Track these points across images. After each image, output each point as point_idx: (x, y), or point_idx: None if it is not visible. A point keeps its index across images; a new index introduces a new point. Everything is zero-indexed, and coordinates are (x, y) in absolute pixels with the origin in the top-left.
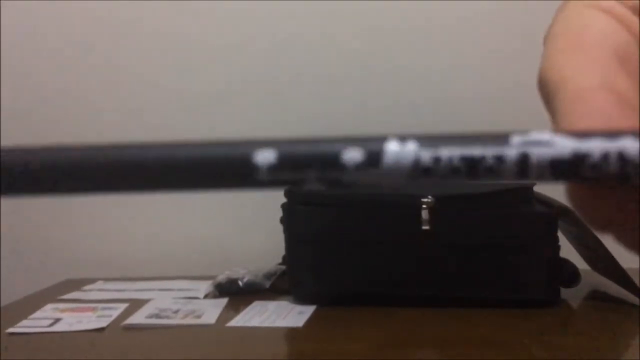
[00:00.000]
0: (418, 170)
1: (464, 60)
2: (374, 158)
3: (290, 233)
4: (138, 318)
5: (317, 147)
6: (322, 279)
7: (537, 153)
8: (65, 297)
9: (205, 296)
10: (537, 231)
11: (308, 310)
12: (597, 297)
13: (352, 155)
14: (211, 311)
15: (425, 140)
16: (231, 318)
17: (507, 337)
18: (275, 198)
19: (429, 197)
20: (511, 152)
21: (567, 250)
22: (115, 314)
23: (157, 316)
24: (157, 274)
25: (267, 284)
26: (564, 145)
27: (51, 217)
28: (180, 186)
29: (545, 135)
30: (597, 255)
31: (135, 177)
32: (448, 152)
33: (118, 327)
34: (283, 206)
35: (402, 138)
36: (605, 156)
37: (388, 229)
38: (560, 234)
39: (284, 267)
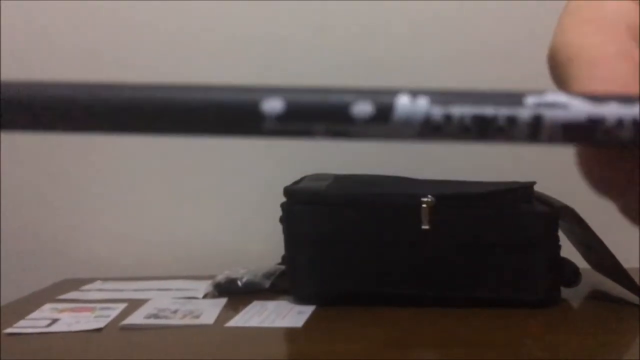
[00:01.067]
0: (428, 128)
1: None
2: (384, 112)
3: (290, 232)
4: (136, 318)
5: (326, 98)
6: (321, 278)
7: (551, 115)
8: (63, 297)
9: (204, 296)
10: (538, 231)
11: (308, 310)
12: (598, 296)
13: (362, 108)
14: (210, 311)
15: (437, 96)
16: (230, 318)
17: (508, 337)
18: (275, 197)
19: (429, 196)
20: (524, 113)
21: (568, 250)
22: (113, 314)
23: (156, 316)
24: (156, 274)
25: (267, 284)
26: (580, 109)
27: (48, 216)
28: (183, 130)
29: (562, 97)
30: (598, 255)
31: (136, 116)
32: (460, 111)
33: (116, 328)
34: (282, 205)
35: (414, 93)
36: (620, 122)
37: (388, 228)
38: (560, 234)
39: (283, 266)
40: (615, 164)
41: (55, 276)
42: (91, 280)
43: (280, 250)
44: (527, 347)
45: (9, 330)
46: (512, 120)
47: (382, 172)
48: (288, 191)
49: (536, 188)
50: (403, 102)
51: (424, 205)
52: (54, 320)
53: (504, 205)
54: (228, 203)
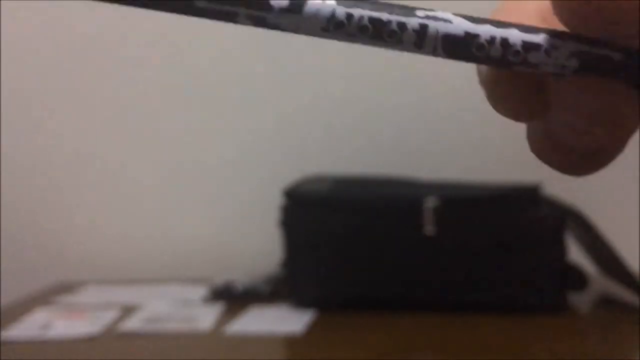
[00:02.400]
0: (332, 23)
1: None
2: (297, 5)
3: (290, 236)
4: (132, 323)
5: None
6: (322, 283)
7: (435, 26)
8: (57, 301)
9: (202, 301)
10: (545, 234)
11: (308, 315)
12: (605, 301)
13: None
14: (207, 316)
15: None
16: (228, 324)
17: (514, 343)
18: (275, 200)
19: (433, 199)
20: (414, 21)
21: (576, 254)
22: (108, 319)
23: (152, 321)
24: (151, 276)
25: (266, 289)
26: (460, 25)
27: (41, 217)
28: None
29: (447, 15)
30: (607, 259)
31: None
32: (360, 12)
33: (111, 333)
34: (282, 208)
35: None
36: (492, 39)
37: (391, 232)
38: (569, 238)
39: (283, 271)
40: (512, 84)
41: (48, 278)
42: (84, 282)
43: (278, 253)
44: (534, 352)
45: (3, 337)
46: (402, 26)
47: (381, 172)
48: (288, 193)
49: (544, 190)
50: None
51: (427, 209)
52: (47, 326)
53: (510, 208)
54: (224, 205)
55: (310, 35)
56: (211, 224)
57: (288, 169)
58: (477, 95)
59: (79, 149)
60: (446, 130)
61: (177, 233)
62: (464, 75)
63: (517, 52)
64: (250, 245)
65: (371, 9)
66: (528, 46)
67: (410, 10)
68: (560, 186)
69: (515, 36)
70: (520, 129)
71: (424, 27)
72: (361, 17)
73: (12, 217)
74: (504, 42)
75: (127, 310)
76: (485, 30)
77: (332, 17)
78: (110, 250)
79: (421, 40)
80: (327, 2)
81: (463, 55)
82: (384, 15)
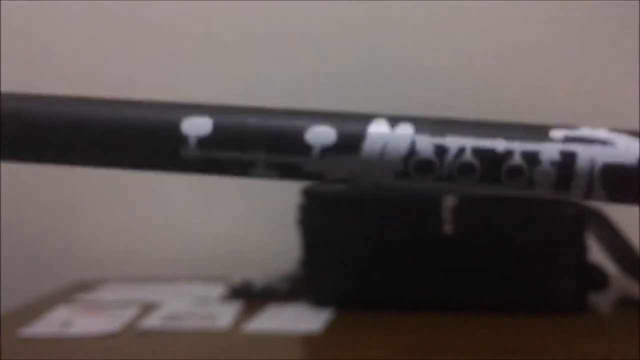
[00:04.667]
0: (411, 163)
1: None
2: (351, 142)
3: (309, 234)
4: (151, 321)
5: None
6: (340, 282)
7: (588, 153)
8: (77, 298)
9: (220, 299)
10: (565, 233)
11: (326, 314)
12: (626, 301)
13: (321, 133)
14: (226, 314)
15: (426, 123)
16: (246, 322)
17: (534, 344)
18: (293, 198)
19: (452, 198)
20: (549, 149)
21: (596, 254)
22: (127, 316)
23: (171, 319)
24: (171, 275)
25: (284, 287)
26: (627, 149)
27: (59, 215)
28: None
29: (604, 133)
30: (627, 259)
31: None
32: (459, 142)
33: (131, 331)
34: (301, 206)
35: (395, 119)
36: None
37: (409, 231)
38: (589, 237)
39: (301, 269)
40: None
41: (69, 276)
42: (104, 280)
43: (297, 252)
44: (554, 354)
45: (25, 333)
46: (531, 158)
47: None
48: (307, 192)
49: None
50: (377, 130)
51: (446, 207)
52: (68, 323)
53: (530, 207)
54: (243, 204)
55: (379, 183)
56: (230, 223)
57: None
58: (496, 91)
59: None
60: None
61: (196, 231)
62: (486, 73)
63: None
64: (269, 243)
65: (476, 135)
66: None
67: (539, 131)
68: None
69: None
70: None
71: (568, 158)
72: (461, 150)
73: (34, 216)
74: None
75: (147, 308)
76: None
77: (411, 153)
78: (130, 248)
79: (566, 179)
80: (401, 129)
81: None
82: (499, 144)
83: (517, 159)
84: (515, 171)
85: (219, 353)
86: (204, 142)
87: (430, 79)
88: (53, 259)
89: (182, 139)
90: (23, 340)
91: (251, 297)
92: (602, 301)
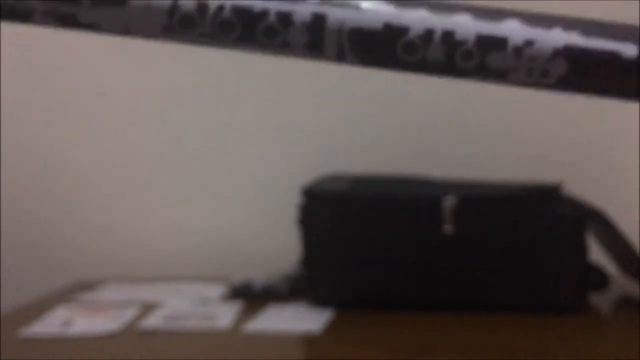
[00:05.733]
0: (175, 17)
1: None
2: None
3: (309, 234)
4: (151, 321)
5: None
6: (340, 282)
7: (337, 16)
8: (77, 298)
9: (221, 299)
10: (565, 234)
11: (326, 314)
12: (626, 301)
13: None
14: (226, 314)
15: None
16: (247, 322)
17: (534, 343)
18: (293, 198)
19: (453, 198)
20: (303, 10)
21: (596, 254)
22: (128, 316)
23: (171, 319)
24: (171, 275)
25: (284, 287)
26: (376, 13)
27: (61, 216)
28: None
29: None
30: (627, 259)
31: None
32: (219, 1)
33: (131, 330)
34: (301, 206)
35: None
36: (428, 34)
37: (409, 230)
38: (589, 237)
39: (301, 269)
40: None
41: (69, 276)
42: (104, 280)
43: (297, 252)
44: (553, 353)
45: (25, 333)
46: (285, 19)
47: (400, 171)
48: (307, 192)
49: (565, 190)
50: None
51: (446, 208)
52: (69, 323)
53: (530, 207)
54: (243, 204)
55: (150, 38)
56: (230, 223)
57: (307, 167)
58: (496, 94)
59: (99, 150)
60: (466, 130)
61: (196, 232)
62: None
63: (470, 53)
64: (269, 244)
65: None
66: (486, 43)
67: None
68: (581, 186)
69: (465, 27)
70: (538, 128)
71: (319, 20)
72: (220, 8)
73: (34, 216)
74: (448, 37)
75: (147, 308)
76: (417, 20)
77: (174, 8)
78: (130, 248)
79: (316, 40)
80: None
81: (384, 61)
82: (257, 3)
83: (272, 19)
84: (271, 31)
85: (219, 353)
86: None
87: None
88: (53, 259)
89: None
90: (23, 340)
91: (251, 297)
92: (602, 301)
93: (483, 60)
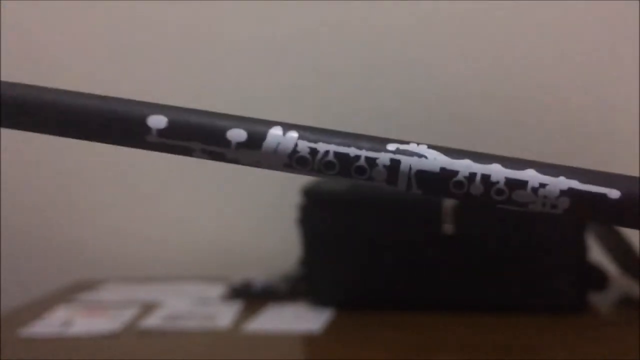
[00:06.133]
0: (294, 159)
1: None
2: (256, 139)
3: (309, 234)
4: (151, 321)
5: (206, 121)
6: (340, 282)
7: (408, 162)
8: (77, 298)
9: (221, 299)
10: (565, 234)
11: (326, 314)
12: (626, 301)
13: (237, 133)
14: (226, 314)
15: (307, 131)
16: (246, 322)
17: (534, 343)
18: (293, 198)
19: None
20: (384, 157)
21: (596, 254)
22: (128, 316)
23: (171, 319)
24: (171, 275)
25: (284, 287)
26: (434, 160)
27: (61, 216)
28: (78, 134)
29: (422, 149)
30: (627, 259)
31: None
32: (326, 147)
33: (131, 330)
34: (301, 206)
35: (286, 127)
36: (471, 177)
37: (409, 230)
38: (589, 237)
39: (301, 269)
40: None
41: (69, 276)
42: (105, 280)
43: (296, 252)
44: (553, 353)
45: (25, 333)
46: (371, 162)
47: None
48: (306, 192)
49: None
50: (275, 132)
51: (446, 208)
52: (69, 323)
53: None
54: (243, 204)
55: (274, 169)
56: (230, 223)
57: None
58: (498, 93)
59: (99, 148)
60: (466, 129)
61: (196, 231)
62: (485, 75)
63: (501, 190)
64: (269, 244)
65: (338, 143)
66: (513, 184)
67: (381, 143)
68: None
69: (497, 173)
70: (538, 127)
71: (395, 164)
72: (326, 153)
73: (34, 216)
74: (485, 179)
75: (147, 308)
76: (464, 166)
77: (294, 152)
78: (130, 248)
79: (393, 177)
80: (289, 134)
81: (440, 193)
82: (352, 150)
83: (362, 162)
84: (360, 170)
85: (219, 353)
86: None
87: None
88: (53, 259)
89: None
90: (23, 340)
91: (251, 297)
92: (602, 301)
93: (510, 196)
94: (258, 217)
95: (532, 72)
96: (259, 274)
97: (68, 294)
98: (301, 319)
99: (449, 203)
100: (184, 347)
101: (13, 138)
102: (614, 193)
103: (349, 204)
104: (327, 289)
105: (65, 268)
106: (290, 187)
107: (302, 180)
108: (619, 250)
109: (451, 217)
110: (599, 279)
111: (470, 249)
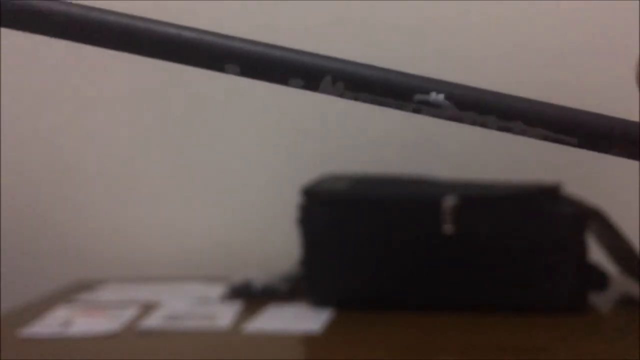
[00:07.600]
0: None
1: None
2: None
3: (308, 234)
4: (151, 321)
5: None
6: (340, 282)
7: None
8: (77, 299)
9: (221, 299)
10: (565, 234)
11: (326, 314)
12: (626, 301)
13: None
14: (226, 314)
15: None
16: (247, 322)
17: (534, 343)
18: (293, 198)
19: (452, 198)
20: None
21: (596, 254)
22: (128, 316)
23: (171, 319)
24: (171, 275)
25: (284, 287)
26: None
27: (60, 216)
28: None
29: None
30: (627, 259)
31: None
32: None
33: (131, 330)
34: (301, 206)
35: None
36: None
37: (409, 230)
38: (589, 237)
39: (301, 269)
40: None
41: (69, 276)
42: (104, 280)
43: (296, 252)
44: (553, 353)
45: (25, 333)
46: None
47: (400, 171)
48: (307, 192)
49: (565, 190)
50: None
51: (446, 208)
52: (69, 323)
53: (529, 207)
54: (243, 204)
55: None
56: (230, 223)
57: (307, 167)
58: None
59: (99, 149)
60: (466, 130)
61: (196, 231)
62: (484, 76)
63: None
64: (269, 243)
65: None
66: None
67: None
68: (580, 185)
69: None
70: None
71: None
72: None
73: (33, 216)
74: None
75: (147, 308)
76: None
77: None
78: (130, 248)
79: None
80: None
81: None
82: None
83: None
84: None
85: (219, 353)
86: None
87: None
88: (53, 259)
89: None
90: (23, 340)
91: (251, 297)
92: (602, 301)
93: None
94: (258, 217)
95: (532, 72)
96: (259, 274)
97: (68, 294)
98: (301, 319)
99: (449, 203)
100: (184, 347)
101: (14, 138)
102: None
103: (349, 204)
104: (327, 289)
105: (65, 268)
106: (290, 187)
107: (302, 180)
108: (619, 250)
109: (451, 217)
110: (599, 279)
111: (470, 249)
